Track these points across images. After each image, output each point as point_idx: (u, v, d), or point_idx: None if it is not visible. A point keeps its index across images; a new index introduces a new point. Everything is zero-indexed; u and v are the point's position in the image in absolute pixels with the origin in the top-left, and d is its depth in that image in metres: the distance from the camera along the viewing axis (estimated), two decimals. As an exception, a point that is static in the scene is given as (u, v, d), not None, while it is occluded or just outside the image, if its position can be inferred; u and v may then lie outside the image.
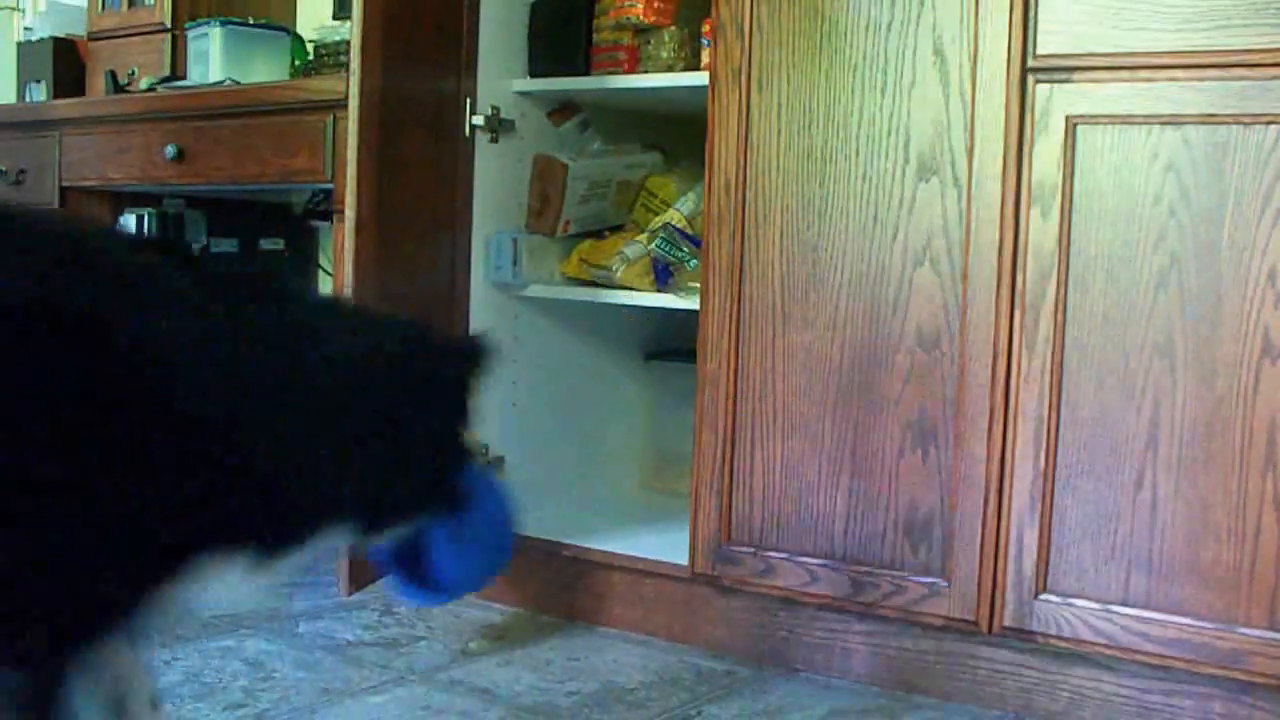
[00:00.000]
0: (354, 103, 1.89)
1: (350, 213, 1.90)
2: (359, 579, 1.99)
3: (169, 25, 3.23)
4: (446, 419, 1.26)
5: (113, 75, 3.21)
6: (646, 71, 2.30)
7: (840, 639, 1.99)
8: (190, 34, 3.06)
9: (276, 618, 2.21)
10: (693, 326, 2.06)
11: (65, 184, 3.01)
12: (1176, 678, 1.73)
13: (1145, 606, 1.70)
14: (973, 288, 1.79)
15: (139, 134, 2.83)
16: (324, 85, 2.49)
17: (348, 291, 1.91)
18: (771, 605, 2.04)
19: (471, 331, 2.26)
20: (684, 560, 2.08)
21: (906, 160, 1.84)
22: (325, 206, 3.18)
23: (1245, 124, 1.61)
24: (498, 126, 2.31)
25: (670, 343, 2.73)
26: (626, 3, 2.27)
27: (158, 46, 3.25)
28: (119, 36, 3.33)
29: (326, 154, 2.47)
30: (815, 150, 1.92)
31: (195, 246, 3.10)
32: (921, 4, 1.82)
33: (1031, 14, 1.74)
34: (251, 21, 3.07)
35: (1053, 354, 1.74)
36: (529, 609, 2.30)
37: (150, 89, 3.01)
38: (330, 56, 2.97)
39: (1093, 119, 1.70)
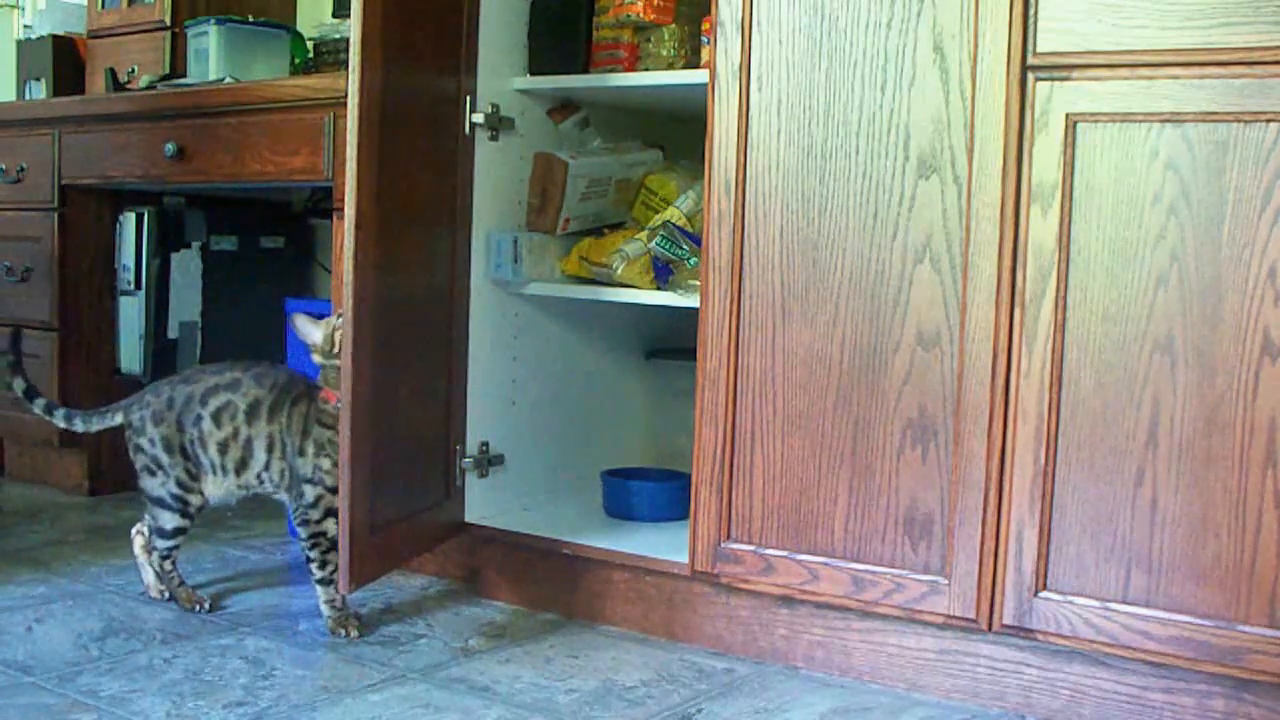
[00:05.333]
0: (354, 100, 1.89)
1: (350, 210, 1.90)
2: (359, 576, 1.98)
3: (169, 23, 3.23)
4: None
5: (112, 73, 3.21)
6: (647, 69, 2.30)
7: (840, 637, 1.99)
8: (190, 32, 3.06)
9: (276, 615, 2.21)
10: (693, 324, 2.06)
11: (65, 182, 3.02)
12: (1177, 675, 1.73)
13: (1145, 604, 1.70)
14: (973, 285, 1.79)
15: (139, 132, 2.83)
16: (324, 83, 2.49)
17: (347, 290, 1.91)
18: (771, 603, 2.04)
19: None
20: (684, 558, 2.08)
21: (906, 158, 1.84)
22: (325, 204, 3.19)
23: (1245, 122, 1.61)
24: (498, 124, 2.30)
25: (670, 340, 2.73)
26: (626, 0, 2.27)
27: (157, 44, 3.25)
28: (119, 34, 3.34)
29: (326, 152, 2.47)
30: (815, 148, 1.92)
31: (195, 244, 3.11)
32: (921, 1, 1.82)
33: (1032, 11, 1.74)
34: (251, 19, 3.07)
35: (1053, 352, 1.74)
36: (528, 607, 2.30)
37: (150, 87, 3.01)
38: (330, 54, 2.97)
39: (1093, 117, 1.70)
